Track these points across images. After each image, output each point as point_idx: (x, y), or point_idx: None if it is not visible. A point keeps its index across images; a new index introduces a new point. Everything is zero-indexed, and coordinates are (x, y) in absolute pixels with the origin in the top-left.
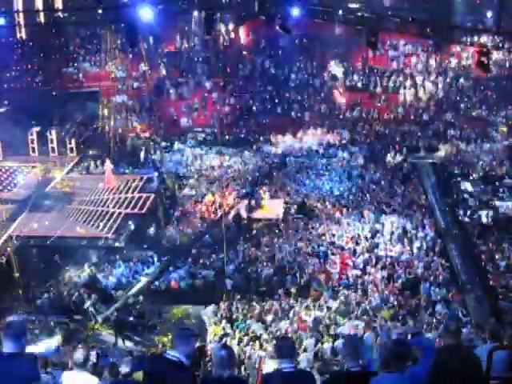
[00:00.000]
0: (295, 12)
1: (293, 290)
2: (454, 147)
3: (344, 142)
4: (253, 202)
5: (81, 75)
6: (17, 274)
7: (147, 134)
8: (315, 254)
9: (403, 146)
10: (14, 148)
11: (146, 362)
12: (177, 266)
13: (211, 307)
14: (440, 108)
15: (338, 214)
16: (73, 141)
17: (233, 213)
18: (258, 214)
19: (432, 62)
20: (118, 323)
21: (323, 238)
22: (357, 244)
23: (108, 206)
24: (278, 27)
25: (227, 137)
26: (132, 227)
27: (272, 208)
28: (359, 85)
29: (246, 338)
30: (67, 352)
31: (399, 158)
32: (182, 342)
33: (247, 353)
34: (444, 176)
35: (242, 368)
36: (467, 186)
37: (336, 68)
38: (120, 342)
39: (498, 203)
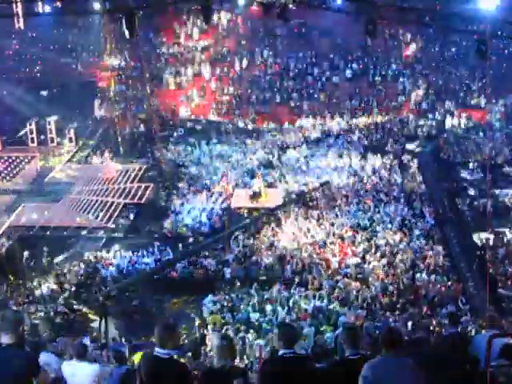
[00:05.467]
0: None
1: (292, 279)
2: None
3: (343, 130)
4: (252, 191)
5: (79, 65)
6: (16, 265)
7: (146, 124)
8: (315, 243)
9: (402, 135)
10: (13, 138)
11: (139, 363)
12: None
13: (211, 297)
14: (439, 96)
15: (337, 203)
16: (72, 131)
17: (232, 202)
18: (257, 204)
19: (431, 50)
20: (102, 309)
21: (322, 227)
22: (356, 233)
23: (107, 196)
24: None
25: (226, 126)
26: (131, 217)
27: (271, 197)
28: (358, 73)
29: (245, 328)
30: (67, 342)
31: (398, 146)
32: (169, 337)
33: (247, 342)
34: (443, 164)
35: (244, 357)
36: (466, 174)
37: None
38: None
39: (497, 191)
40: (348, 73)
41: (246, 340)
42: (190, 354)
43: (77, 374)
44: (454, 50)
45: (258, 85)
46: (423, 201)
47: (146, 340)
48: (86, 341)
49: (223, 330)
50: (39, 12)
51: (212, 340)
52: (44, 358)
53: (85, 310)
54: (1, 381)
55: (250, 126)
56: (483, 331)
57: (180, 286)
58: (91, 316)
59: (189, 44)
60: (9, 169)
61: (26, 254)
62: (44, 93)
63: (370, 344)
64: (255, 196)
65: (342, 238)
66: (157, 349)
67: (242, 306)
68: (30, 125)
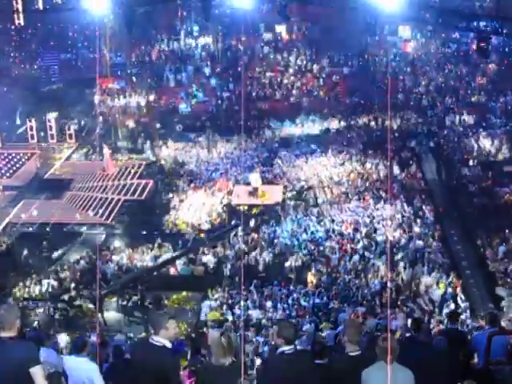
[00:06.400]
0: None
1: (292, 276)
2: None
3: (343, 127)
4: (251, 187)
5: (79, 62)
6: (16, 261)
7: (146, 120)
8: (314, 239)
9: (402, 132)
10: (13, 135)
11: (131, 348)
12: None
13: (210, 293)
14: (439, 93)
15: (337, 200)
16: (72, 127)
17: (231, 199)
18: (257, 200)
19: (431, 47)
20: (100, 305)
21: (322, 223)
22: (356, 230)
23: (107, 193)
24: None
25: (226, 123)
26: (131, 213)
27: (271, 194)
28: (358, 70)
29: (244, 324)
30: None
31: (398, 143)
32: (163, 327)
33: (247, 338)
34: (443, 161)
35: (242, 354)
36: (466, 171)
37: None
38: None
39: (497, 189)
40: (348, 70)
41: (246, 337)
42: (188, 349)
43: (74, 369)
44: (454, 47)
45: (259, 81)
46: (423, 198)
47: (145, 337)
48: (93, 337)
49: (223, 327)
50: (39, 8)
51: (211, 337)
52: (44, 353)
53: (84, 306)
54: (1, 373)
55: (250, 123)
56: (482, 329)
57: (179, 282)
58: (90, 313)
59: (189, 41)
60: (9, 165)
61: (25, 250)
62: (43, 89)
63: (369, 342)
64: (255, 193)
65: (342, 235)
66: (152, 336)
67: (241, 303)
68: (30, 121)
